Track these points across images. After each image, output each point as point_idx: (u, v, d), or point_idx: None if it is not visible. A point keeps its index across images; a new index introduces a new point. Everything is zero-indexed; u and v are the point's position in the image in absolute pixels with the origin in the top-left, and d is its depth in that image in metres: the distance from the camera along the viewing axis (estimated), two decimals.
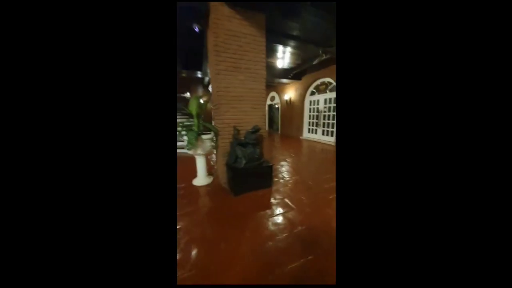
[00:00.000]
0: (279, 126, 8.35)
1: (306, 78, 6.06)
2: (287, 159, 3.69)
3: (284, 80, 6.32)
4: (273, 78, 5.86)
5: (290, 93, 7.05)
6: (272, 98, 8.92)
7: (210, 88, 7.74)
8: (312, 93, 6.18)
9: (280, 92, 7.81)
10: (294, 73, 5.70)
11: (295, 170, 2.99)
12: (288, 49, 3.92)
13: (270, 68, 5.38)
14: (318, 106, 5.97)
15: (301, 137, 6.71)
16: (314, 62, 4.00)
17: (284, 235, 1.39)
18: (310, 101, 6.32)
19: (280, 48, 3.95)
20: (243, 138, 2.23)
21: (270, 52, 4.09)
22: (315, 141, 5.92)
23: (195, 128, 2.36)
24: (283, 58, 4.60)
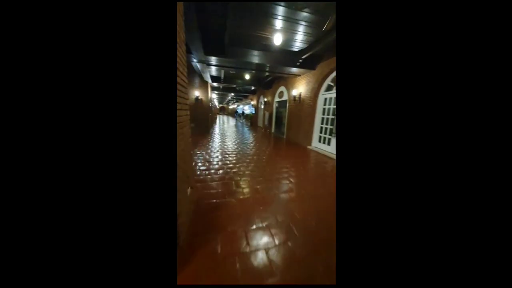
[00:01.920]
0: (285, 129, 6.77)
1: (321, 67, 4.38)
2: (263, 205, 2.16)
3: (294, 70, 4.74)
4: (277, 66, 4.33)
5: (300, 88, 5.41)
6: (281, 94, 7.34)
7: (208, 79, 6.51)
8: (329, 88, 4.47)
9: (289, 87, 6.21)
10: (304, 57, 4.08)
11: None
12: (292, 14, 2.38)
13: (266, 47, 3.85)
14: (334, 106, 4.25)
15: (309, 147, 5.07)
16: (326, 27, 2.39)
17: None
18: (325, 99, 4.61)
19: (278, 9, 2.44)
20: None
21: (262, 17, 2.61)
22: (326, 155, 4.23)
23: None
24: (283, 30, 3.06)
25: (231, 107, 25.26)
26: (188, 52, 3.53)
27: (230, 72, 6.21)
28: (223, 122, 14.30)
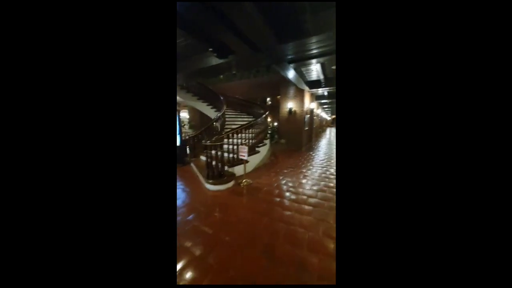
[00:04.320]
0: None
1: None
2: None
3: None
4: None
5: None
6: None
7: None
8: None
9: None
10: None
11: None
12: None
13: None
14: None
15: None
16: None
17: None
18: None
19: None
20: None
21: None
22: None
23: None
24: None
25: None
26: (257, 50, 2.65)
27: (332, 68, 4.37)
28: (333, 134, 11.79)
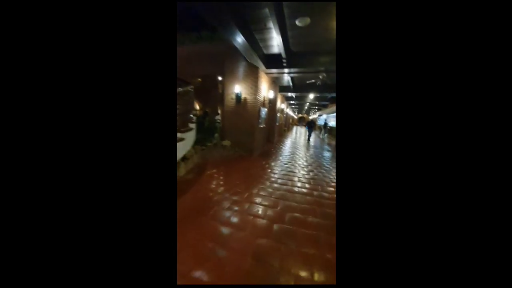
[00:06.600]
0: None
1: None
2: None
3: None
4: None
5: None
6: None
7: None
8: None
9: None
10: None
11: None
12: None
13: None
14: None
15: None
16: None
17: None
18: None
19: None
20: None
21: None
22: None
23: None
24: None
25: (311, 117, 20.75)
26: None
27: (298, 24, 2.64)
28: (299, 135, 10.66)
